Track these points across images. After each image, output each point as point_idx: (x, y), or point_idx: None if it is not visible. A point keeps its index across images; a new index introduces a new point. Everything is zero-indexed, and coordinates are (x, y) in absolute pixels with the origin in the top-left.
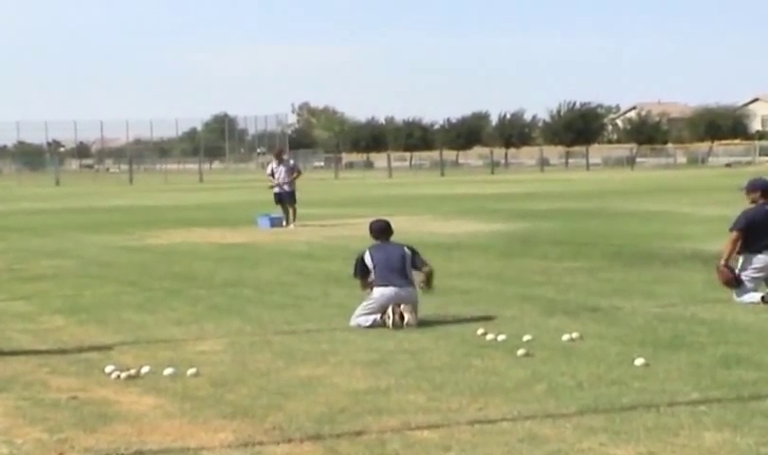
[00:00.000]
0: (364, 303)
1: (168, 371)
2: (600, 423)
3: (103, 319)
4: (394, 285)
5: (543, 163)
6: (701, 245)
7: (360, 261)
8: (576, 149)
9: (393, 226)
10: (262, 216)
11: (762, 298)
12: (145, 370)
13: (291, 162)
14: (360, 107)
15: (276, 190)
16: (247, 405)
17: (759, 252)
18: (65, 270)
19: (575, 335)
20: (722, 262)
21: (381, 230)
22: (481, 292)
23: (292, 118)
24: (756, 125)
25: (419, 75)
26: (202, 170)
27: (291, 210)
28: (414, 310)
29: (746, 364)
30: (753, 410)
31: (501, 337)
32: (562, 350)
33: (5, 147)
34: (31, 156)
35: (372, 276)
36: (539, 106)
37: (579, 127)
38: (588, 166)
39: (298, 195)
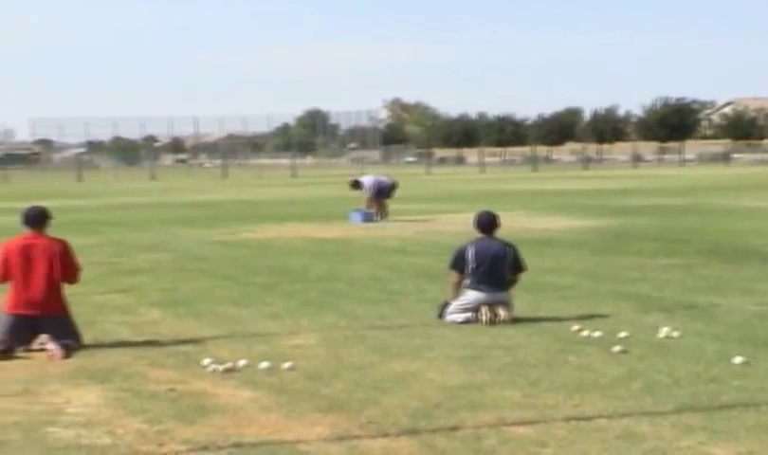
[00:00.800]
0: (458, 301)
1: (264, 364)
2: (698, 421)
3: (200, 313)
4: (488, 291)
5: (637, 159)
6: None
7: (460, 254)
8: (671, 145)
9: (499, 220)
10: (354, 211)
11: None
12: (242, 363)
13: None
14: (452, 103)
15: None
16: (343, 399)
17: None
18: (162, 264)
19: (671, 332)
20: None
21: (488, 223)
22: (575, 288)
23: (384, 114)
24: None
25: (512, 70)
26: (294, 165)
27: (383, 205)
28: (509, 307)
29: None
30: None
31: (596, 334)
32: (659, 347)
33: (102, 142)
34: (127, 152)
35: (467, 274)
36: (633, 102)
37: (674, 123)
38: (682, 162)
39: (394, 192)
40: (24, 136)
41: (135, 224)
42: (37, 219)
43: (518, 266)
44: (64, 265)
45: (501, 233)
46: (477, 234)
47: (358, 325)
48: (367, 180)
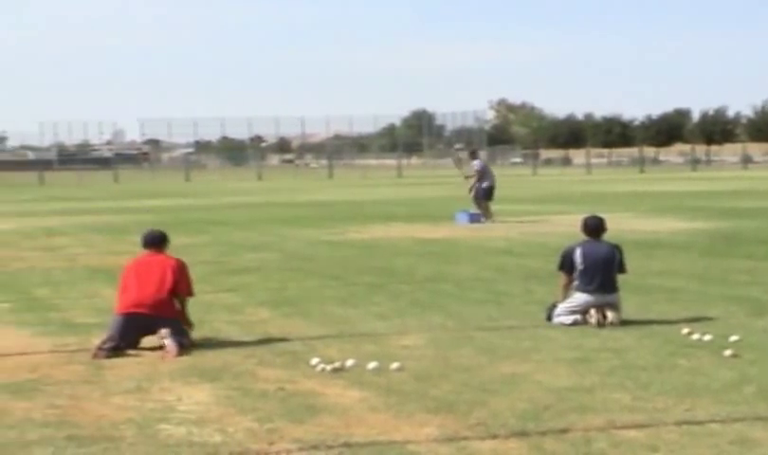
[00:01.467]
0: (566, 303)
1: (372, 364)
2: None
3: (307, 312)
4: (597, 293)
5: (746, 161)
6: None
7: (568, 255)
8: None
9: (605, 223)
10: (460, 212)
11: None
12: (350, 363)
13: (478, 164)
14: (558, 103)
15: (486, 184)
16: (451, 400)
17: None
18: (269, 263)
19: None
20: None
21: (595, 228)
22: (684, 291)
23: (490, 115)
24: None
25: (619, 71)
26: (400, 165)
27: (486, 207)
28: (617, 309)
29: None
30: None
31: (706, 338)
32: None
33: (209, 142)
34: (234, 151)
35: (576, 276)
36: (743, 102)
37: None
38: None
39: (496, 193)
40: (134, 136)
41: (242, 223)
42: (156, 242)
43: (621, 269)
44: (177, 279)
45: (608, 235)
46: (584, 237)
47: (466, 326)
48: (479, 163)
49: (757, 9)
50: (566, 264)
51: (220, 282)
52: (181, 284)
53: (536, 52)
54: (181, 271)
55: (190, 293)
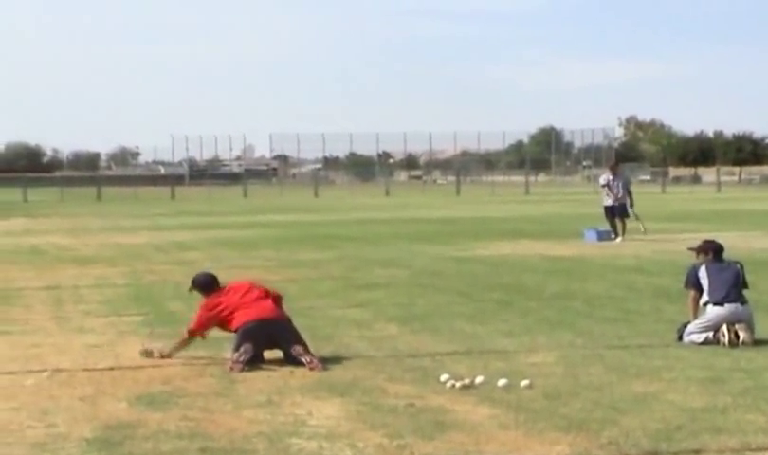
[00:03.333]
0: (698, 321)
1: (501, 381)
2: None
3: (436, 329)
4: (729, 303)
5: None
6: None
7: (694, 271)
8: None
9: (724, 246)
10: (589, 229)
11: None
12: (479, 380)
13: (625, 174)
14: (688, 121)
15: (609, 202)
16: (582, 418)
17: None
18: (397, 279)
19: None
20: None
21: (715, 250)
22: None
23: (619, 132)
24: None
25: (750, 87)
26: (528, 182)
27: (621, 224)
28: (750, 328)
29: None
30: None
31: None
32: None
33: (338, 158)
34: (362, 167)
35: (705, 293)
36: None
37: None
38: None
39: (631, 210)
40: (263, 152)
41: (370, 239)
42: (205, 284)
43: (745, 284)
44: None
45: (739, 254)
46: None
47: (596, 344)
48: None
49: None
50: (691, 280)
51: (349, 298)
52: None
53: (666, 69)
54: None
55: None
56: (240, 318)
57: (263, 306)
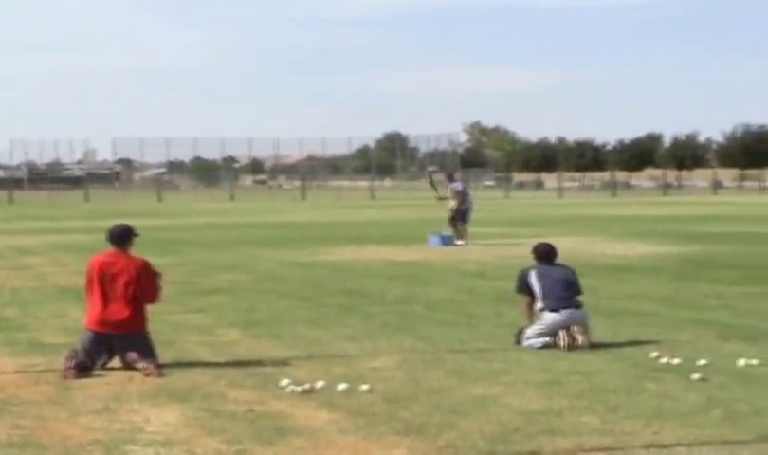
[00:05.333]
0: (535, 326)
1: (342, 386)
2: None
3: (278, 334)
4: (565, 309)
5: (717, 186)
6: None
7: (524, 277)
8: (751, 172)
9: (557, 249)
10: (433, 234)
11: None
12: (320, 385)
13: (460, 185)
14: (532, 127)
15: (455, 207)
16: (421, 422)
17: None
18: (240, 284)
19: (751, 360)
20: None
21: (546, 254)
22: (653, 315)
23: (463, 137)
24: None
25: (592, 95)
26: (373, 187)
27: (462, 229)
28: (586, 331)
29: None
30: None
31: (675, 361)
32: (739, 376)
33: (182, 163)
34: (207, 172)
35: (539, 299)
36: (714, 128)
37: (755, 150)
38: (763, 189)
39: (471, 215)
40: (105, 156)
41: (213, 244)
42: (122, 236)
43: (578, 290)
44: (143, 284)
45: (581, 259)
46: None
47: (436, 348)
48: (460, 185)
49: (728, 36)
50: (522, 286)
51: (190, 303)
52: (148, 290)
53: (510, 77)
54: (147, 274)
55: (153, 299)
56: (89, 314)
57: (111, 310)
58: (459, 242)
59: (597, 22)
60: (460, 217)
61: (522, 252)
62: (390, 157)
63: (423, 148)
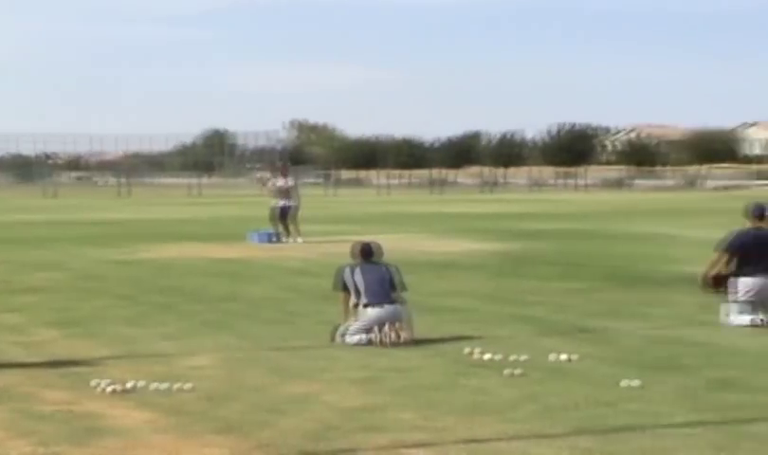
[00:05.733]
0: (357, 323)
1: (159, 385)
2: (593, 444)
3: (95, 333)
4: (387, 304)
5: (537, 183)
6: (693, 267)
7: (341, 276)
8: (571, 170)
9: (379, 246)
10: (254, 231)
11: (751, 320)
12: (136, 384)
13: (291, 181)
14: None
15: (279, 204)
16: (240, 421)
17: (746, 275)
18: (57, 283)
19: (569, 355)
20: (706, 277)
21: (365, 252)
22: (473, 311)
23: (287, 134)
24: (755, 149)
25: (416, 93)
26: (195, 184)
27: (293, 226)
28: (408, 328)
29: (737, 387)
30: (743, 433)
31: (493, 357)
32: (555, 370)
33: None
34: (24, 168)
35: (359, 295)
36: (535, 127)
37: (574, 148)
38: (582, 187)
39: (299, 212)
40: None
41: (30, 241)
42: None
43: (403, 286)
44: None
45: (403, 256)
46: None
47: (257, 346)
48: (290, 180)
49: (546, 35)
50: (339, 284)
51: (5, 302)
52: None
53: (335, 73)
54: None
55: None
56: None
57: None
58: (289, 239)
59: (428, 20)
60: (285, 214)
61: (346, 249)
62: (212, 154)
63: (248, 145)
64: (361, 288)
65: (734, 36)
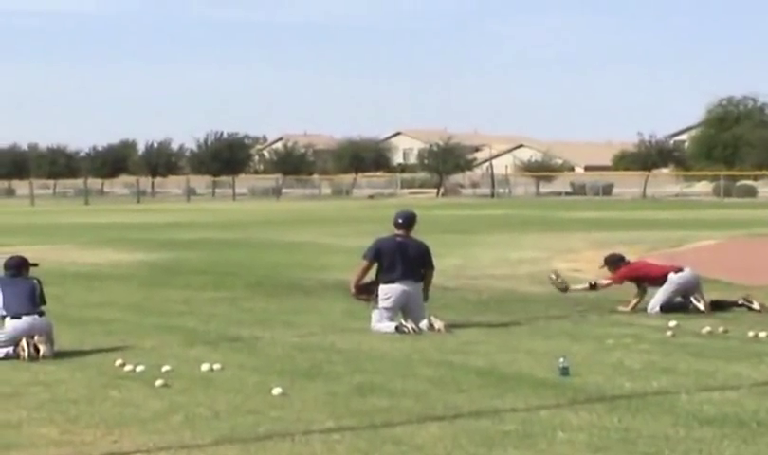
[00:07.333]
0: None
1: None
2: (236, 452)
3: None
4: (27, 316)
5: (190, 192)
6: (341, 274)
7: None
8: (223, 179)
9: (29, 262)
10: None
11: (397, 327)
12: None
13: None
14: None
15: None
16: None
17: (389, 282)
18: None
19: (214, 365)
20: (353, 286)
21: (17, 266)
22: (121, 322)
23: None
24: (398, 158)
25: (66, 101)
26: None
27: None
28: (50, 341)
29: (380, 392)
30: (384, 437)
31: (139, 368)
32: (201, 380)
33: None
34: None
35: (1, 308)
36: (187, 135)
37: (226, 157)
38: (234, 196)
39: None
40: None
41: None
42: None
43: (42, 299)
44: None
45: (50, 268)
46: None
47: None
48: None
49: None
50: None
51: None
52: None
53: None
54: None
55: None
56: None
57: None
58: None
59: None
60: None
61: None
62: None
63: None
64: (1, 300)
65: (376, 49)
